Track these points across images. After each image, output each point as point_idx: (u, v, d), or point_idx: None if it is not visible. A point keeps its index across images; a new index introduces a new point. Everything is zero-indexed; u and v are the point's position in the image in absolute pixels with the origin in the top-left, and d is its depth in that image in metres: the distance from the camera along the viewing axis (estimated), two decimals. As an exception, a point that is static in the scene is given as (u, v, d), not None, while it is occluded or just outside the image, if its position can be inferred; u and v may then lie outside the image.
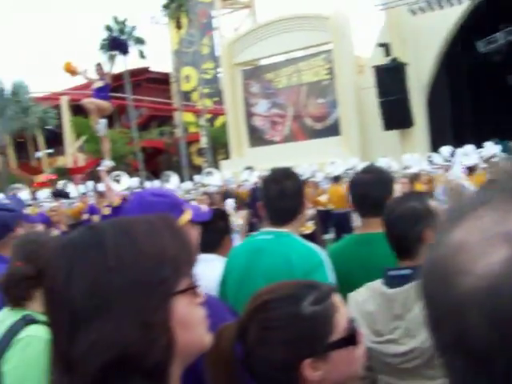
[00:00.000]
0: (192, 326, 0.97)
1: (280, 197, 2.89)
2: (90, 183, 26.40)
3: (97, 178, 30.53)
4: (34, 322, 2.44)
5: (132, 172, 35.28)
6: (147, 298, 0.90)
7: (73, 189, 22.91)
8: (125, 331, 0.87)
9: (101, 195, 14.18)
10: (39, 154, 53.61)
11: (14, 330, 2.38)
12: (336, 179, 15.41)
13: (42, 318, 2.42)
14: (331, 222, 14.57)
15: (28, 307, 2.52)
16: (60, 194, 18.03)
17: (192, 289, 0.98)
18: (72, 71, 10.51)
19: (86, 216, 14.95)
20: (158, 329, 0.90)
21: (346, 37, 29.89)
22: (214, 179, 21.81)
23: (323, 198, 14.94)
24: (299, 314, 1.28)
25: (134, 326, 0.88)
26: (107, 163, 8.57)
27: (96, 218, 13.16)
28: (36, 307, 2.49)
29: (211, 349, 1.09)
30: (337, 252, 3.20)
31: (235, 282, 2.90)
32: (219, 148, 43.86)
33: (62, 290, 0.90)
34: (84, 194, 17.80)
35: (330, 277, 2.70)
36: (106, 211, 11.86)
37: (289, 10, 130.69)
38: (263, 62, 35.77)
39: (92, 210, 14.10)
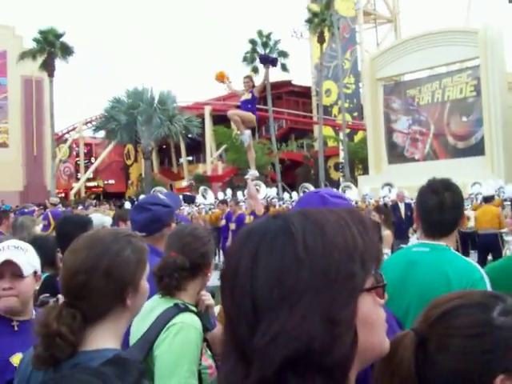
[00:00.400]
0: (375, 327, 0.93)
1: (438, 209, 2.77)
2: (228, 191, 27.36)
3: (235, 187, 31.49)
4: (186, 310, 2.50)
5: (269, 182, 35.94)
6: (335, 292, 0.85)
7: (211, 195, 23.86)
8: (310, 325, 0.83)
9: (236, 203, 14.60)
10: (181, 160, 55.93)
11: (167, 316, 2.43)
12: (487, 200, 14.80)
13: (193, 308, 2.59)
14: (475, 243, 14.09)
15: (179, 297, 2.56)
16: (186, 199, 18.79)
17: (379, 288, 0.93)
18: (223, 80, 10.60)
19: (223, 222, 15.50)
20: (343, 325, 0.85)
21: (496, 52, 28.58)
22: (351, 194, 21.78)
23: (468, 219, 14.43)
24: (491, 323, 1.17)
25: (319, 320, 0.84)
26: (253, 172, 8.74)
27: (233, 226, 13.59)
28: (187, 298, 2.58)
29: (387, 357, 1.03)
30: (497, 272, 2.93)
31: (387, 293, 2.82)
32: (357, 163, 43.59)
33: (245, 278, 0.88)
34: (222, 201, 18.32)
35: None
36: (249, 219, 12.05)
37: (433, 24, 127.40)
38: (405, 78, 35.23)
39: (229, 217, 14.55)
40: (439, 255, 2.75)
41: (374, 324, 0.92)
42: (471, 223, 14.02)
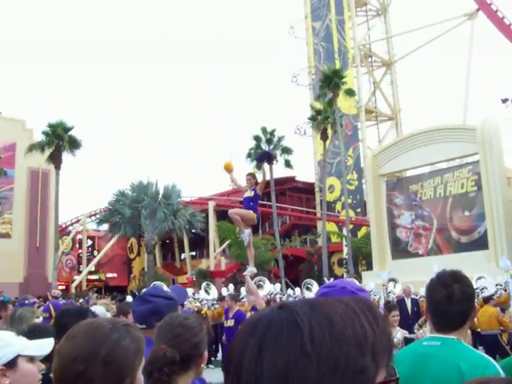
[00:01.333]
0: None
1: (447, 301, 2.73)
2: (231, 286, 27.14)
3: (238, 282, 31.27)
4: None
5: (273, 278, 35.68)
6: None
7: (214, 291, 23.64)
8: None
9: (233, 298, 14.39)
10: (183, 255, 55.86)
11: None
12: (485, 300, 14.50)
13: None
14: (478, 344, 13.79)
15: None
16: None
17: (391, 382, 0.86)
18: (231, 170, 10.58)
19: (223, 318, 15.28)
20: None
21: (494, 147, 29.12)
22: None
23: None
24: None
25: None
26: (251, 269, 8.69)
27: (230, 322, 13.35)
28: None
29: None
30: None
31: None
32: (361, 259, 43.45)
33: (250, 374, 0.82)
34: (221, 297, 18.12)
35: None
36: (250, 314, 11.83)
37: (433, 119, 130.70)
38: (407, 174, 35.70)
39: (226, 313, 14.31)
40: (451, 349, 2.67)
41: None
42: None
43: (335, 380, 0.79)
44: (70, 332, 1.72)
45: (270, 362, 0.81)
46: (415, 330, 12.87)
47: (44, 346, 2.41)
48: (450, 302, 2.73)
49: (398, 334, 8.57)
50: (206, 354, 2.63)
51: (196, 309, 17.46)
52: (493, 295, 15.01)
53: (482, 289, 16.61)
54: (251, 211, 9.40)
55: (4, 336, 2.32)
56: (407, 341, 8.69)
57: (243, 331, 0.88)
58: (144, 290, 3.27)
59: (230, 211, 9.78)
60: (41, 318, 6.72)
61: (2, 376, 2.21)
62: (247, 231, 9.34)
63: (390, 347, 0.87)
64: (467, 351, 2.69)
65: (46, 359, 3.87)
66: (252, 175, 10.04)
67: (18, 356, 2.33)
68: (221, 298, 17.62)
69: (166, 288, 3.42)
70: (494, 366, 2.57)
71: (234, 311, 13.43)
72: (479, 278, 18.12)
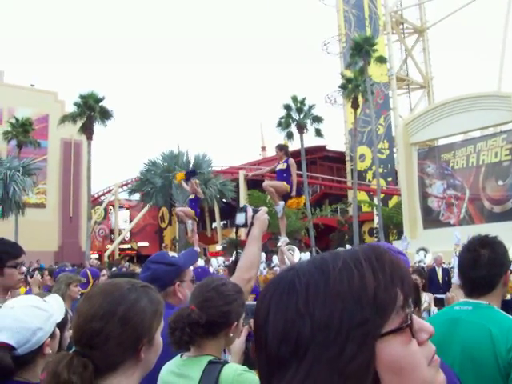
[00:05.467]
0: (410, 370, 0.84)
1: (473, 266, 2.73)
2: (263, 255, 27.32)
3: (269, 251, 31.42)
4: (226, 362, 2.41)
5: (303, 247, 35.74)
6: (341, 343, 0.81)
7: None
8: (316, 381, 0.80)
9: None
10: (214, 224, 56.17)
11: (212, 375, 2.32)
12: None
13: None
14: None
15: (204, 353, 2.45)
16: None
17: (403, 328, 0.84)
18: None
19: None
20: (355, 377, 0.80)
21: (530, 115, 28.55)
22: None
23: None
24: None
25: (327, 375, 0.80)
26: (285, 239, 8.82)
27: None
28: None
29: None
30: None
31: None
32: (392, 228, 43.23)
33: (260, 333, 0.88)
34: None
35: None
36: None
37: (466, 88, 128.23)
38: (439, 143, 35.23)
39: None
40: (482, 313, 2.69)
41: (407, 367, 0.83)
42: None
43: (329, 336, 0.81)
44: (90, 291, 1.77)
45: (272, 323, 0.86)
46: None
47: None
48: (475, 266, 2.72)
49: (426, 297, 8.60)
50: (237, 324, 2.56)
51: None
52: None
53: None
54: (284, 183, 9.49)
55: (46, 307, 2.38)
56: (439, 302, 8.72)
57: (262, 292, 0.93)
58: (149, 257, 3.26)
59: (265, 183, 9.89)
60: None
61: (46, 347, 2.28)
62: (281, 203, 9.45)
63: (406, 291, 0.86)
64: (499, 316, 2.69)
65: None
66: (279, 147, 10.10)
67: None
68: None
69: (172, 254, 3.33)
70: None
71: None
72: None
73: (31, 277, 7.70)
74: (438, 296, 9.36)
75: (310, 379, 0.80)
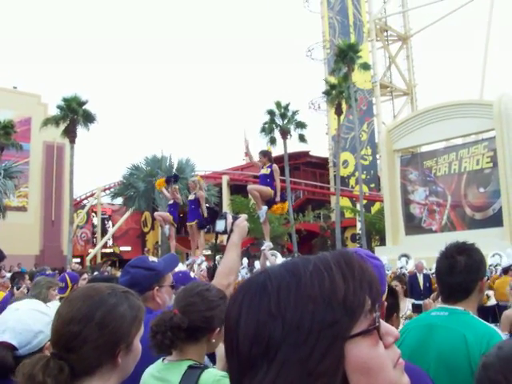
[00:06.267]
0: (377, 371, 0.86)
1: (449, 272, 2.76)
2: (245, 260, 27.25)
3: (251, 256, 31.43)
4: (206, 367, 2.39)
5: (286, 253, 35.80)
6: (312, 344, 0.82)
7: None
8: (287, 381, 0.82)
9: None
10: (199, 230, 55.96)
11: (191, 379, 2.32)
12: (506, 271, 14.71)
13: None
14: (496, 317, 13.76)
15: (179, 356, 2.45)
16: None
17: (371, 331, 0.87)
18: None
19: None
20: (325, 377, 0.82)
21: (511, 123, 28.64)
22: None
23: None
24: None
25: (297, 374, 0.81)
26: (268, 244, 8.89)
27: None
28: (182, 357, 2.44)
29: None
30: None
31: (405, 356, 2.73)
32: (374, 234, 43.43)
33: (232, 336, 0.89)
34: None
35: None
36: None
37: (449, 95, 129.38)
38: (422, 149, 35.45)
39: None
40: (458, 319, 2.71)
41: (374, 368, 0.86)
42: (492, 301, 13.70)
43: (300, 337, 0.83)
44: (70, 294, 1.77)
45: (243, 326, 0.87)
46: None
47: None
48: (451, 273, 2.76)
49: (409, 304, 8.68)
50: (220, 330, 2.53)
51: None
52: (510, 266, 14.97)
53: (496, 265, 16.60)
54: (269, 188, 9.57)
55: (48, 311, 2.41)
56: (417, 308, 8.78)
57: (232, 296, 0.95)
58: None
59: (250, 187, 9.99)
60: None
61: (45, 350, 2.29)
62: (264, 208, 9.53)
63: (373, 296, 0.89)
64: (474, 322, 2.72)
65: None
66: (263, 153, 10.20)
67: None
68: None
69: (152, 258, 3.29)
70: (499, 336, 2.59)
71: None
72: (494, 255, 18.07)
73: (17, 289, 7.79)
74: (416, 303, 9.42)
75: (281, 379, 0.82)
